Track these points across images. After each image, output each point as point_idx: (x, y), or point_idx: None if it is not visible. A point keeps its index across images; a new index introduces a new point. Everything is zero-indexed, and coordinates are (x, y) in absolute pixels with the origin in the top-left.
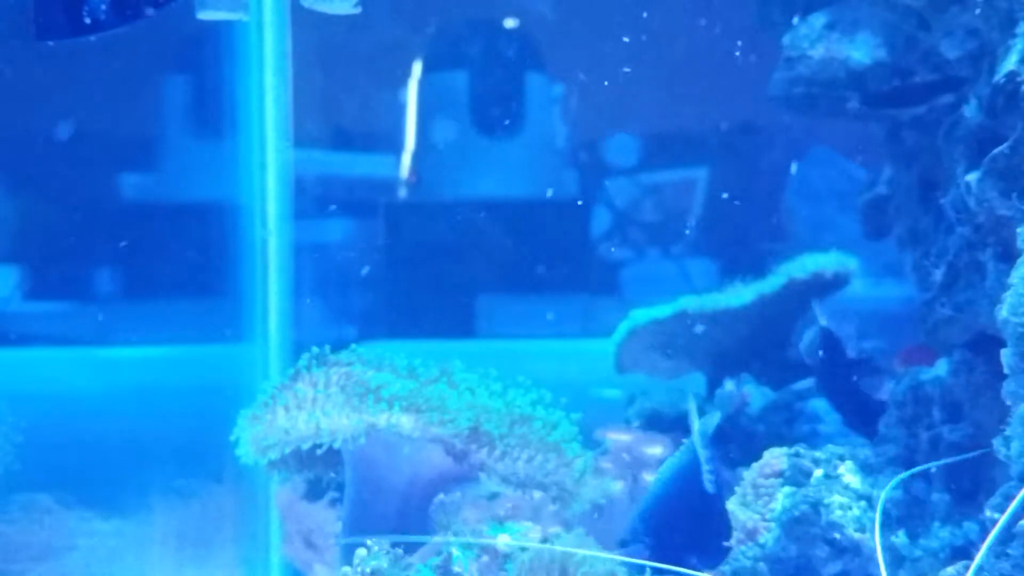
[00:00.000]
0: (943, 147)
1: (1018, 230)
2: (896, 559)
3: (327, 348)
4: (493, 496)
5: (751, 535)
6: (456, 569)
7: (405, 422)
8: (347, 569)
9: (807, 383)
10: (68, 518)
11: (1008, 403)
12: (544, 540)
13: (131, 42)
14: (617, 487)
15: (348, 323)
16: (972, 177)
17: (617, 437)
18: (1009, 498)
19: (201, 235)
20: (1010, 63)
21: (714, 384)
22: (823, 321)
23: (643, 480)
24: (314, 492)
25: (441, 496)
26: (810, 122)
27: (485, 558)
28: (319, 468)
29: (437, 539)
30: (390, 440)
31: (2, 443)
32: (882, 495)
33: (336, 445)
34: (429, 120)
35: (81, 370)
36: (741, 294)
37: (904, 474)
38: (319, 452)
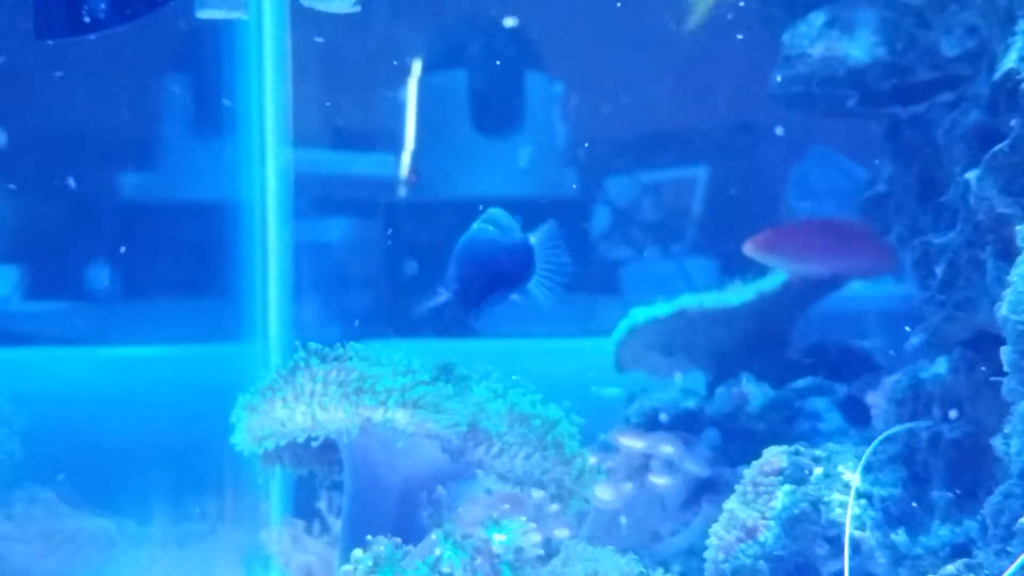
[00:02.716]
0: (943, 145)
1: (1018, 228)
2: (896, 557)
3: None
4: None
5: (751, 533)
6: (445, 569)
7: (401, 417)
8: (347, 568)
9: (807, 381)
10: (69, 517)
11: (1008, 400)
12: (547, 543)
13: (130, 41)
14: (626, 489)
15: (348, 322)
16: (972, 175)
17: (630, 443)
18: (1009, 496)
19: (201, 234)
20: (1010, 61)
21: (714, 383)
22: None
23: (650, 483)
24: (308, 490)
25: (424, 493)
26: (810, 120)
27: (479, 559)
28: (315, 465)
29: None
30: (386, 436)
31: (3, 441)
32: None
33: (332, 436)
34: (429, 119)
35: (81, 370)
36: (741, 292)
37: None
38: (314, 445)
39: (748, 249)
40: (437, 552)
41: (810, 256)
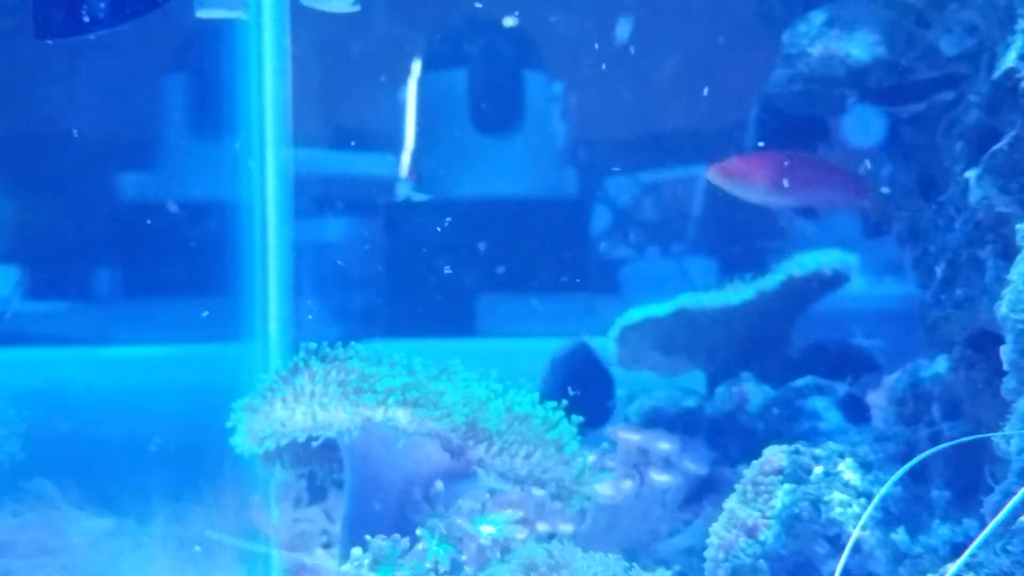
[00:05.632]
0: (942, 144)
1: (1017, 227)
2: (896, 556)
3: (325, 345)
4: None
5: (751, 532)
6: (428, 565)
7: (401, 416)
8: (346, 567)
9: (807, 381)
10: (69, 517)
11: (1008, 400)
12: (551, 537)
13: (130, 41)
14: (626, 486)
15: (348, 322)
16: (971, 174)
17: (627, 436)
18: (1009, 495)
19: (201, 234)
20: (1009, 60)
21: (714, 382)
22: None
23: (650, 479)
24: (310, 491)
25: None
26: None
27: (465, 556)
28: (316, 464)
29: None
30: (387, 435)
31: (3, 442)
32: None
33: (331, 434)
34: (428, 119)
35: (81, 370)
36: (741, 292)
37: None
38: (315, 445)
39: (712, 175)
40: (420, 547)
41: (781, 184)
